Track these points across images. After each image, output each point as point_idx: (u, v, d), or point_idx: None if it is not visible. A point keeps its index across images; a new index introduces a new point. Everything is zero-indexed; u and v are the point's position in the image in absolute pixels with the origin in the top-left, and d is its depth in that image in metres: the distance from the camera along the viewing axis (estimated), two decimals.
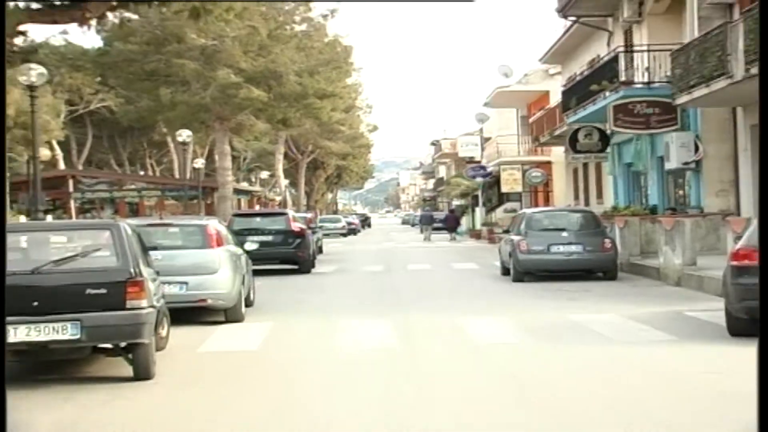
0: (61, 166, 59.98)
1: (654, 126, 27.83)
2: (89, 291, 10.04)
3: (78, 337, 9.99)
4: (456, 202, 76.96)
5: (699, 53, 22.87)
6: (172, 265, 14.83)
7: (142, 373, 10.53)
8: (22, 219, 32.32)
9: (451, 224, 60.71)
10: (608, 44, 33.97)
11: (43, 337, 9.96)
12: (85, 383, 10.55)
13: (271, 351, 12.81)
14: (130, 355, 10.56)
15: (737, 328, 12.55)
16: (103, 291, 10.07)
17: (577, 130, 34.66)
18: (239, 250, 18.11)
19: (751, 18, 19.77)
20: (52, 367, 11.10)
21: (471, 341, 13.06)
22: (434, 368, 10.81)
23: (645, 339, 12.83)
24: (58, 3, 23.22)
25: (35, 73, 24.30)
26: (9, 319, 9.80)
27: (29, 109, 25.10)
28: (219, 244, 16.53)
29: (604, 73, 29.67)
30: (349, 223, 78.95)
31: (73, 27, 24.83)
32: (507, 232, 25.98)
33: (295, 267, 28.51)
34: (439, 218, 67.45)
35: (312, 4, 47.35)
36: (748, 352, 11.43)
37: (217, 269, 15.85)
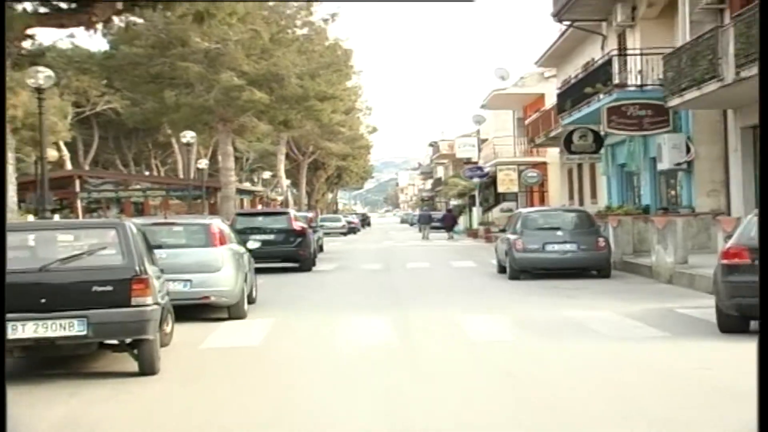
0: (68, 166, 59.97)
1: (647, 128, 27.84)
2: (95, 288, 10.04)
3: (84, 333, 9.99)
4: (454, 202, 76.95)
5: (690, 57, 22.87)
6: (176, 263, 14.85)
7: (147, 369, 10.53)
8: (30, 218, 32.30)
9: (448, 223, 60.74)
10: (602, 48, 33.97)
11: (50, 333, 9.95)
12: (91, 378, 10.55)
13: (273, 347, 12.79)
14: (135, 351, 10.55)
15: (728, 325, 12.55)
16: (109, 288, 10.06)
17: (571, 132, 34.67)
18: (242, 249, 18.10)
19: (741, 22, 19.77)
20: (59, 362, 11.09)
21: (469, 338, 13.05)
22: (433, 365, 10.79)
23: (638, 335, 12.83)
24: (65, 7, 23.25)
25: (43, 75, 24.28)
26: (17, 315, 9.82)
27: (37, 111, 25.05)
28: (222, 242, 16.53)
29: (598, 76, 29.68)
30: (349, 223, 78.91)
31: (80, 31, 24.87)
32: (503, 231, 26.01)
33: (297, 265, 28.49)
34: (437, 218, 67.46)
35: (313, 9, 47.39)
36: (738, 348, 11.46)
37: (220, 267, 15.85)
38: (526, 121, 51.19)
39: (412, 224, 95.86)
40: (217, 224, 17.31)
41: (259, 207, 67.51)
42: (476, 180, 58.72)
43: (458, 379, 9.89)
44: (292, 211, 33.33)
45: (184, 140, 47.60)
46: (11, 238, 11.13)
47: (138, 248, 10.52)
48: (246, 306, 16.47)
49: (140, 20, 34.43)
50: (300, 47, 46.36)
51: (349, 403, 8.91)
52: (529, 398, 8.89)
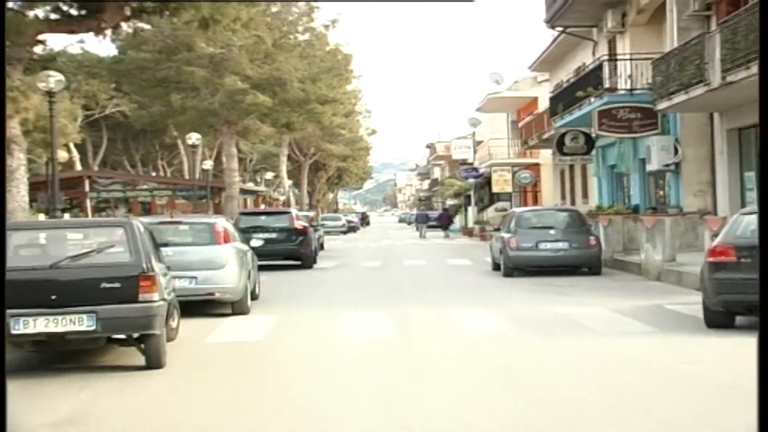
0: (78, 167, 59.92)
1: (636, 130, 27.85)
2: (104, 285, 10.05)
3: (93, 328, 9.99)
4: (450, 202, 76.89)
5: (678, 62, 22.88)
6: (182, 260, 14.84)
7: (154, 363, 10.53)
8: (42, 217, 32.29)
9: (444, 222, 60.70)
10: (593, 53, 33.97)
11: (60, 329, 9.96)
12: (99, 372, 10.55)
13: (275, 342, 12.80)
14: (142, 346, 10.56)
15: (714, 321, 12.56)
16: (117, 285, 10.07)
17: (563, 134, 34.67)
18: (245, 247, 18.11)
19: (727, 29, 19.77)
20: (70, 356, 11.09)
21: (464, 333, 13.05)
22: (431, 360, 10.75)
23: (628, 331, 12.82)
24: (75, 14, 23.23)
25: (54, 79, 24.26)
26: (29, 311, 9.84)
27: (48, 114, 25.04)
28: (226, 241, 16.53)
29: (590, 80, 29.69)
30: (349, 222, 78.86)
31: (89, 36, 24.75)
32: (498, 230, 25.96)
33: (298, 263, 28.47)
34: (433, 217, 67.46)
35: (314, 15, 47.38)
36: (724, 343, 11.47)
37: (225, 264, 15.85)
38: (520, 124, 51.21)
39: (409, 223, 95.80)
40: (222, 223, 17.30)
41: (262, 206, 67.48)
42: (471, 180, 58.73)
43: (456, 375, 9.88)
44: (293, 211, 33.31)
45: (189, 142, 47.61)
46: (24, 236, 11.18)
47: (145, 246, 10.52)
48: (249, 302, 16.46)
49: (147, 26, 34.48)
50: (302, 52, 46.33)
51: (350, 398, 8.88)
52: (523, 392, 8.89)
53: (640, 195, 30.80)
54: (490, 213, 56.74)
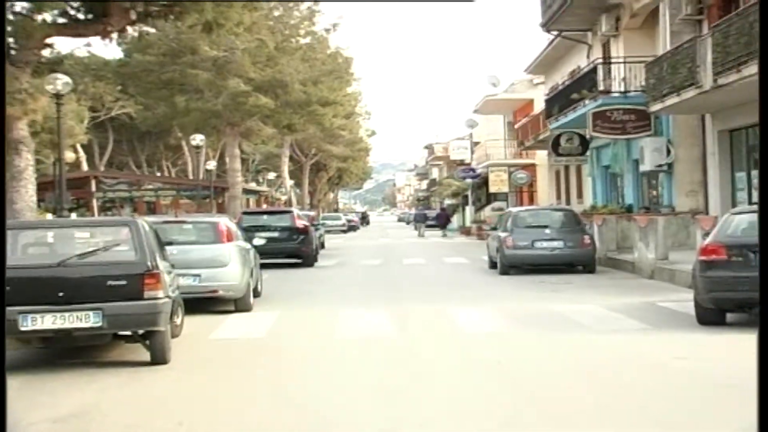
0: (85, 167, 59.92)
1: (630, 131, 27.86)
2: (110, 282, 10.05)
3: (100, 324, 10.00)
4: (447, 202, 76.83)
5: (671, 65, 22.88)
6: (186, 258, 14.84)
7: (159, 358, 10.53)
8: (49, 216, 32.29)
9: (442, 222, 60.71)
10: (588, 56, 33.97)
11: (67, 325, 9.96)
12: (106, 367, 10.56)
13: (277, 338, 12.79)
14: (147, 342, 10.56)
15: (705, 318, 12.56)
16: (122, 282, 10.07)
17: (559, 135, 34.67)
18: (248, 245, 18.11)
19: (718, 32, 19.77)
20: (76, 352, 11.09)
21: (462, 331, 13.02)
22: (429, 359, 10.67)
23: (622, 327, 12.82)
24: (82, 18, 23.23)
25: (61, 82, 24.25)
26: (37, 307, 9.85)
27: (55, 116, 25.02)
28: (229, 239, 16.53)
29: (584, 82, 29.69)
30: (349, 221, 78.87)
31: (96, 40, 24.82)
32: (494, 229, 25.98)
33: (299, 261, 28.46)
34: (431, 216, 67.43)
35: (315, 20, 47.40)
36: (715, 339, 11.48)
37: (228, 263, 15.85)
38: (516, 125, 51.19)
39: (408, 222, 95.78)
40: (225, 222, 17.32)
41: (264, 206, 67.45)
42: (469, 180, 58.68)
43: (455, 373, 9.82)
44: (295, 210, 33.27)
45: (193, 143, 47.59)
46: (32, 235, 11.19)
47: (150, 245, 10.52)
48: (252, 299, 16.47)
49: (153, 30, 34.43)
50: (303, 55, 46.35)
51: (350, 391, 8.89)
52: (521, 391, 8.85)
53: (634, 195, 30.80)
54: (487, 212, 56.75)
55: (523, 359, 10.44)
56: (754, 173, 22.87)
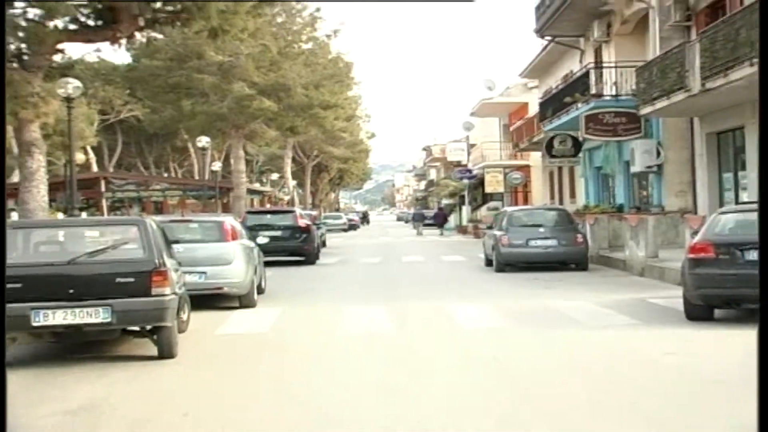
0: (95, 168, 59.90)
1: (621, 134, 27.87)
2: (119, 279, 10.04)
3: (109, 320, 9.99)
4: (445, 201, 76.86)
5: (660, 69, 22.88)
6: (192, 256, 14.83)
7: (166, 353, 10.53)
8: (60, 216, 32.28)
9: (440, 221, 60.70)
10: (580, 61, 33.98)
11: (78, 320, 9.95)
12: (115, 361, 10.55)
13: (280, 334, 12.77)
14: (155, 337, 10.55)
15: (694, 314, 12.57)
16: (131, 279, 10.06)
17: (552, 137, 34.70)
18: (252, 244, 18.09)
19: (706, 38, 19.77)
20: (86, 347, 11.09)
21: (459, 325, 13.02)
22: (428, 357, 10.58)
23: (613, 323, 12.81)
24: (92, 24, 23.23)
25: (72, 86, 24.26)
26: (48, 303, 9.85)
27: (66, 118, 25.02)
28: (234, 238, 16.52)
29: (577, 86, 29.69)
30: (350, 220, 78.81)
31: (105, 45, 24.76)
32: (490, 228, 25.96)
33: (302, 259, 28.46)
34: (429, 216, 67.42)
35: (317, 25, 47.39)
36: (703, 334, 11.48)
37: (232, 260, 15.84)
38: (511, 128, 51.18)
39: (407, 222, 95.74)
40: (230, 221, 17.31)
41: (268, 206, 67.40)
42: (465, 181, 58.73)
43: (452, 368, 9.78)
44: (297, 210, 33.27)
45: (199, 145, 47.59)
46: (43, 234, 11.19)
47: (157, 243, 10.52)
48: (256, 296, 16.46)
49: (160, 36, 34.43)
50: (305, 60, 46.35)
51: (350, 386, 8.88)
52: (515, 383, 8.85)
53: (625, 195, 30.82)
54: (483, 212, 56.69)
55: (519, 356, 10.41)
56: (741, 174, 22.88)
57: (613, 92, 28.07)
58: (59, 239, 11.09)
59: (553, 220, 24.09)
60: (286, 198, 74.35)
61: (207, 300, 15.44)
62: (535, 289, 18.31)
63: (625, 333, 11.86)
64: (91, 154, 59.62)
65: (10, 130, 24.91)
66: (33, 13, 22.57)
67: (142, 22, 23.41)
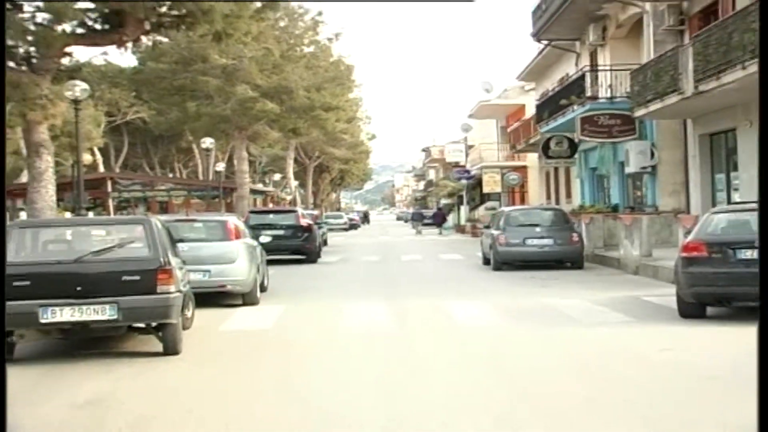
0: (101, 169, 59.82)
1: (616, 135, 27.86)
2: (125, 277, 10.04)
3: (115, 317, 9.99)
4: (444, 201, 76.89)
5: (654, 72, 22.87)
6: (196, 255, 14.83)
7: (171, 349, 10.52)
8: (68, 215, 32.28)
9: (438, 220, 60.69)
10: (576, 64, 33.96)
11: (85, 317, 9.96)
12: (120, 357, 10.55)
13: (283, 330, 12.78)
14: (160, 334, 10.55)
15: (687, 311, 12.57)
16: (136, 277, 10.07)
17: (549, 139, 34.68)
18: (255, 243, 18.07)
19: (699, 42, 19.76)
20: (92, 343, 11.08)
21: (459, 325, 12.97)
22: (427, 355, 10.50)
23: (608, 320, 12.80)
24: (99, 28, 23.24)
25: (79, 88, 24.25)
26: (56, 301, 9.86)
27: (74, 120, 25.01)
28: (237, 237, 16.52)
29: (573, 89, 29.68)
30: (351, 219, 78.82)
31: (112, 49, 24.81)
32: (488, 227, 25.94)
33: (304, 257, 28.46)
34: (428, 215, 67.41)
35: (319, 29, 47.41)
36: (697, 331, 11.48)
37: (236, 259, 15.83)
38: (509, 129, 51.18)
39: (406, 221, 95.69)
40: (233, 221, 17.30)
41: (270, 205, 67.35)
42: (464, 181, 58.72)
43: (449, 363, 9.79)
44: (299, 209, 33.28)
45: (203, 146, 47.57)
46: (51, 233, 11.19)
47: (163, 242, 10.52)
48: (258, 294, 16.44)
49: (166, 39, 34.39)
50: (307, 63, 46.35)
51: (351, 382, 8.88)
52: (513, 382, 8.81)
53: (619, 195, 30.80)
54: (480, 211, 56.69)
55: (516, 353, 10.38)
56: (733, 175, 22.88)
57: (608, 95, 28.05)
58: (67, 238, 11.11)
59: (550, 220, 24.09)
60: (289, 198, 74.32)
61: (211, 297, 15.44)
62: (531, 287, 18.29)
63: (620, 330, 11.85)
64: (98, 155, 59.61)
65: (18, 131, 24.92)
66: (41, 17, 22.60)
67: (147, 26, 23.41)
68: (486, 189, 54.87)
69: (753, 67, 16.67)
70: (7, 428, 5.36)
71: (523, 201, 51.04)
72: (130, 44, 24.79)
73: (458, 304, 15.15)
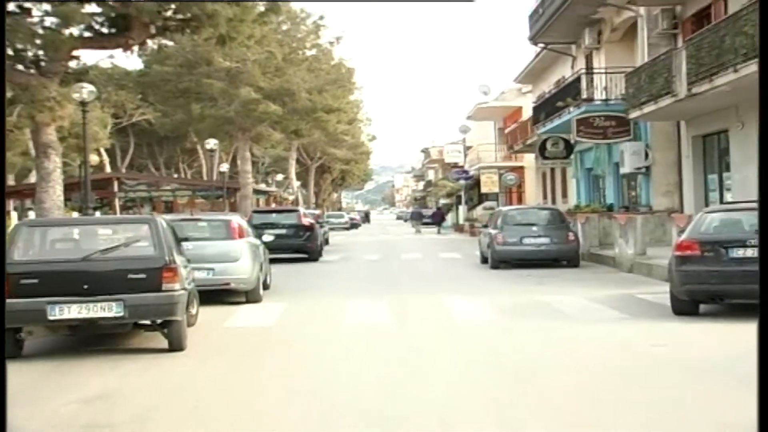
0: (108, 169, 59.81)
1: (611, 137, 27.85)
2: (131, 276, 10.04)
3: (121, 314, 9.99)
4: (442, 201, 76.87)
5: (649, 75, 22.87)
6: (200, 254, 14.81)
7: (176, 346, 10.53)
8: (75, 214, 32.29)
9: (437, 220, 60.67)
10: (572, 67, 33.96)
11: (92, 315, 9.96)
12: (127, 354, 10.55)
13: (285, 327, 12.77)
14: (165, 330, 10.54)
15: (680, 308, 12.57)
16: (142, 276, 10.06)
17: (545, 140, 34.67)
18: (258, 241, 18.07)
19: (692, 45, 19.77)
20: (100, 339, 11.09)
21: (456, 319, 13.00)
22: (427, 352, 10.42)
23: (604, 317, 12.80)
24: (106, 32, 23.26)
25: (86, 91, 24.27)
26: (64, 298, 9.85)
27: (81, 122, 25.05)
28: (241, 236, 16.52)
29: (569, 91, 29.69)
30: (352, 219, 78.76)
31: (118, 52, 24.86)
32: (486, 226, 25.95)
33: (306, 256, 28.40)
34: (427, 215, 67.37)
35: (321, 32, 47.40)
36: (689, 328, 11.49)
37: (239, 257, 15.83)
38: (506, 131, 51.16)
39: (406, 220, 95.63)
40: (237, 220, 17.31)
41: (273, 205, 67.34)
42: (462, 182, 58.67)
43: (449, 358, 9.80)
44: (301, 209, 33.27)
45: (208, 147, 47.67)
46: (59, 232, 11.19)
47: (168, 241, 10.51)
48: (261, 291, 16.45)
49: (171, 43, 34.51)
50: (309, 66, 46.38)
51: (352, 378, 8.87)
52: (510, 373, 8.84)
53: (615, 195, 30.80)
54: (478, 211, 56.68)
55: (514, 350, 10.34)
56: (726, 175, 22.89)
57: (604, 97, 28.05)
58: (74, 237, 11.09)
59: (546, 219, 24.08)
60: (291, 198, 74.33)
61: (215, 295, 15.42)
62: (528, 285, 18.28)
63: (615, 327, 11.85)
64: (105, 156, 59.61)
65: (27, 132, 24.93)
66: (50, 21, 22.62)
67: (153, 30, 23.44)
68: (484, 189, 54.87)
69: (745, 70, 16.69)
70: (7, 428, 5.35)
71: (520, 201, 51.02)
72: (136, 47, 24.82)
73: (457, 302, 15.14)
